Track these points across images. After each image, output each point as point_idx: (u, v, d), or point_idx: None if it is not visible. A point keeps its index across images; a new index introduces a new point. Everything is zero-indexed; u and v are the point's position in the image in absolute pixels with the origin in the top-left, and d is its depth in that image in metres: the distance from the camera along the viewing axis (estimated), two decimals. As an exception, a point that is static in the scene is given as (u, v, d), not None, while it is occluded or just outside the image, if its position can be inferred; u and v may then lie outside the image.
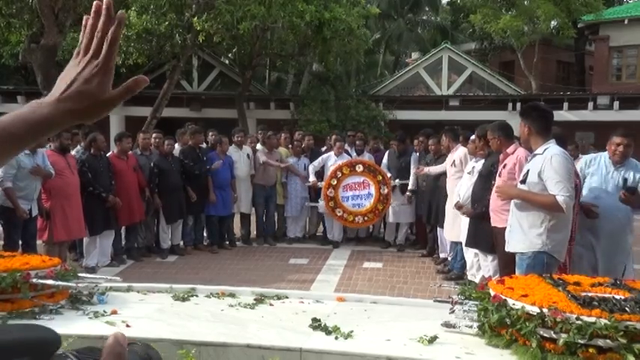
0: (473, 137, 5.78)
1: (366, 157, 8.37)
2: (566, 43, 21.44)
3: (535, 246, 3.45)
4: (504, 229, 3.82)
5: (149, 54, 13.24)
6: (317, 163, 8.12)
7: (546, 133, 3.56)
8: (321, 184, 7.90)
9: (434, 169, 7.00)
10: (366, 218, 7.80)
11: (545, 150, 3.47)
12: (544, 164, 3.41)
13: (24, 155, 5.63)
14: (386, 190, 7.67)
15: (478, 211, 5.06)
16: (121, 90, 0.84)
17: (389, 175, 7.83)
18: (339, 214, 7.80)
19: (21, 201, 5.65)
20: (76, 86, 0.82)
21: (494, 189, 4.15)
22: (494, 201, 4.39)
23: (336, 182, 7.79)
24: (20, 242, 5.83)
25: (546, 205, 3.39)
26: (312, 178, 8.03)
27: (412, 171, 7.64)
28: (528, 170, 3.57)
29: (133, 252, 7.15)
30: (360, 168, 7.82)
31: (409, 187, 7.66)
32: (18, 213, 5.59)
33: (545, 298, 2.78)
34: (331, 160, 8.09)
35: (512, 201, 3.74)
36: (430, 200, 7.12)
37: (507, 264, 3.97)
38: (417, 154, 7.87)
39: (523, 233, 3.51)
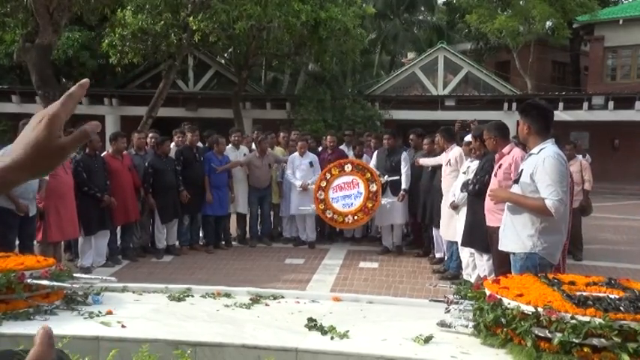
0: (467, 139, 5.79)
1: (363, 158, 8.34)
2: (562, 43, 21.52)
3: (527, 247, 3.44)
4: (499, 228, 3.82)
5: (145, 53, 13.21)
6: (290, 171, 8.00)
7: (545, 133, 3.52)
8: (312, 187, 7.79)
9: (429, 161, 6.99)
10: (355, 217, 7.60)
11: (540, 150, 3.44)
12: (537, 166, 3.38)
13: None
14: (375, 188, 7.49)
15: (470, 189, 5.09)
16: (73, 137, 0.79)
17: (377, 173, 7.67)
18: (329, 216, 7.69)
19: None
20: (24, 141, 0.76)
21: (487, 192, 4.12)
22: (490, 201, 4.40)
23: (325, 184, 7.72)
24: (18, 243, 5.79)
25: (536, 209, 3.37)
26: (298, 183, 7.88)
27: (403, 170, 7.43)
28: (522, 170, 3.57)
29: (129, 252, 7.12)
30: (348, 167, 7.71)
31: (403, 187, 7.44)
32: (19, 208, 5.54)
33: (540, 297, 2.79)
34: (297, 161, 7.99)
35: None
36: (425, 200, 7.12)
37: (502, 263, 3.98)
38: (407, 152, 7.72)
39: (516, 234, 3.51)
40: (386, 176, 7.55)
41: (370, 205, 7.50)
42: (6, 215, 5.53)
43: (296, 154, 8.07)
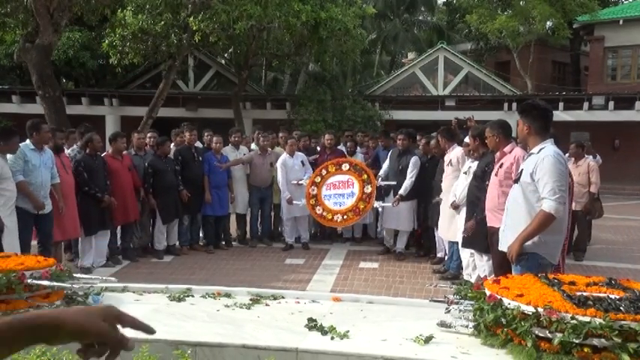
0: (466, 140, 5.78)
1: (359, 157, 8.32)
2: (562, 43, 21.54)
3: (527, 247, 3.44)
4: (499, 228, 3.82)
5: (145, 54, 13.22)
6: (282, 173, 7.82)
7: (545, 133, 3.52)
8: (301, 203, 7.67)
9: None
10: (345, 217, 7.44)
11: (540, 150, 3.46)
12: (537, 165, 3.39)
13: (30, 150, 5.63)
14: (370, 189, 7.36)
15: (479, 218, 5.00)
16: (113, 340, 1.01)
17: (382, 172, 7.58)
18: (318, 212, 7.57)
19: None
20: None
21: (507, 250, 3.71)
22: (490, 200, 4.40)
23: (320, 180, 7.63)
24: (37, 244, 5.79)
25: (543, 223, 3.34)
26: (286, 195, 7.77)
27: (408, 175, 7.21)
28: (522, 170, 3.57)
29: (129, 252, 7.12)
30: (346, 167, 7.61)
31: (400, 192, 7.19)
32: (36, 204, 5.56)
33: (540, 297, 2.79)
34: (289, 162, 7.87)
35: (507, 201, 3.74)
36: (425, 200, 7.10)
37: (501, 264, 3.97)
38: (417, 157, 7.41)
39: (516, 234, 3.50)
40: (379, 179, 7.48)
41: (362, 206, 7.36)
42: (21, 214, 5.53)
43: (286, 155, 7.91)
